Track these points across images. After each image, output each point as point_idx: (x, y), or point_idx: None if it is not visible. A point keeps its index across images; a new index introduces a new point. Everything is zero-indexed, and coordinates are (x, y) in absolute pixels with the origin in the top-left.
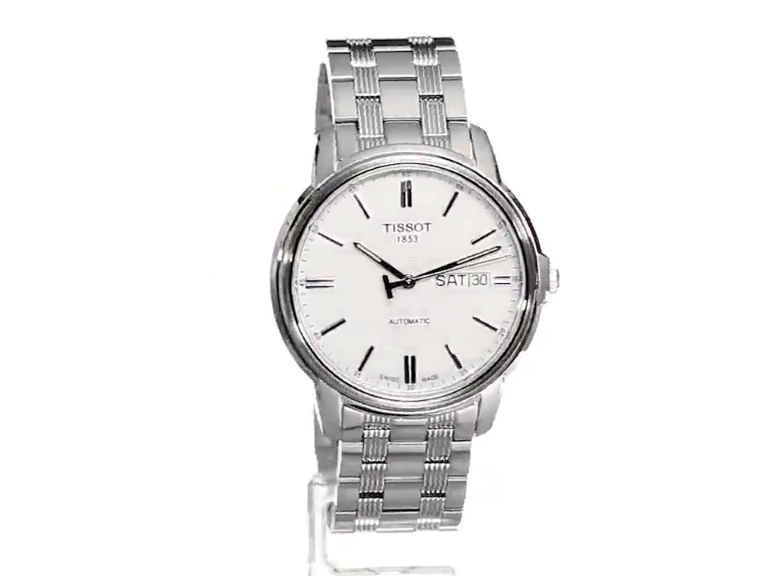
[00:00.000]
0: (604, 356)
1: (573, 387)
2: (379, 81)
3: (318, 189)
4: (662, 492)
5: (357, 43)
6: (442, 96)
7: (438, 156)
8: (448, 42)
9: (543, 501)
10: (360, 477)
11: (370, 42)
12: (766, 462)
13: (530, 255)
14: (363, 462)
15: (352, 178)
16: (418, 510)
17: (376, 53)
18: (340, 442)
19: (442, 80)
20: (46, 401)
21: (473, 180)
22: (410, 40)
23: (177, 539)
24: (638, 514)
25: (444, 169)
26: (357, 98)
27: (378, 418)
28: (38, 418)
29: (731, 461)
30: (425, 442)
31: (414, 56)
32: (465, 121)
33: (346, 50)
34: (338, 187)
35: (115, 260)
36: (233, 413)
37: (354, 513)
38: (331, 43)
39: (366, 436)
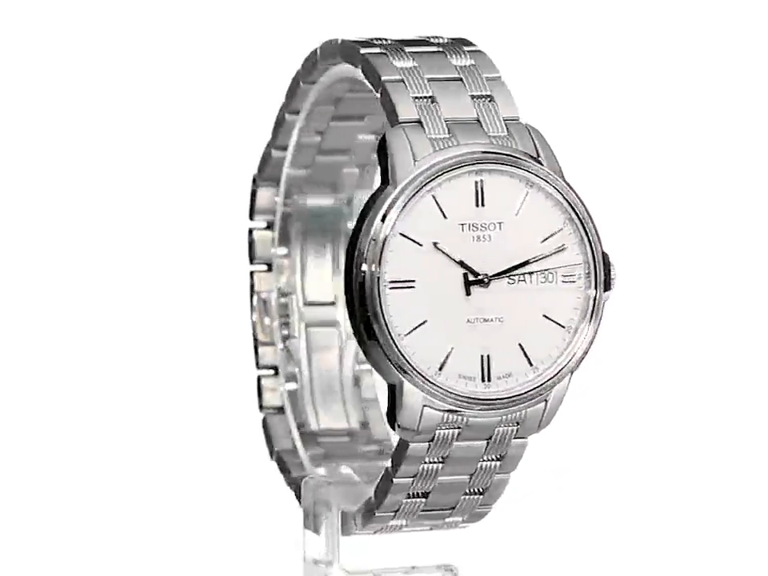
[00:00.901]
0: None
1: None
2: (428, 81)
3: (401, 191)
4: (662, 491)
5: (384, 43)
6: (490, 96)
7: (509, 155)
8: (468, 42)
9: (544, 500)
10: (413, 478)
11: (394, 41)
12: None
13: (595, 253)
14: (422, 463)
15: (433, 179)
16: (453, 509)
17: (410, 53)
18: (406, 443)
19: (486, 80)
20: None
21: (544, 178)
22: (431, 40)
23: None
24: (641, 515)
25: (517, 167)
26: (413, 98)
27: (455, 417)
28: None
29: None
30: (486, 441)
31: (448, 56)
32: (518, 120)
33: (378, 50)
34: (420, 189)
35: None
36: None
37: (393, 514)
38: (361, 43)
39: (435, 437)
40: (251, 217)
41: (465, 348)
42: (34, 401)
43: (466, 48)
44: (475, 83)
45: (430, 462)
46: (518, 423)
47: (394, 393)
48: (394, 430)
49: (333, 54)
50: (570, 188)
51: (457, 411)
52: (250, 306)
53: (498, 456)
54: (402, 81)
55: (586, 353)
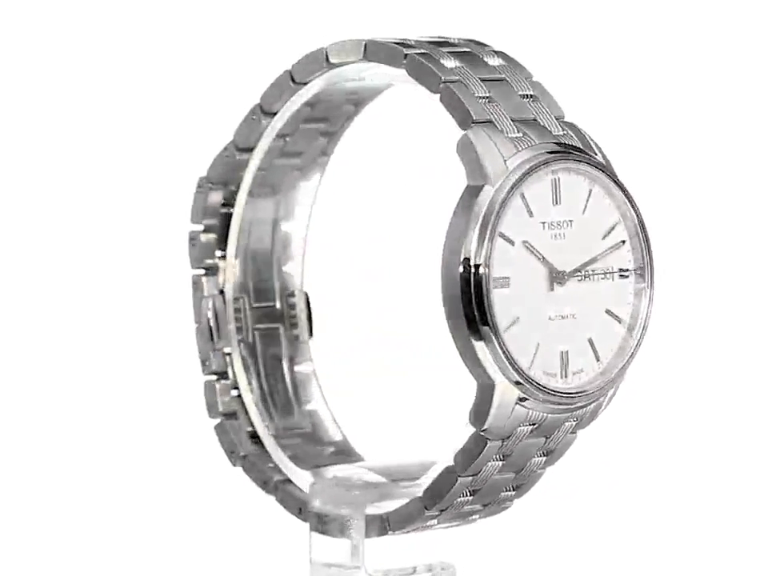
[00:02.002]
0: None
1: None
2: (481, 81)
3: (498, 191)
4: (663, 491)
5: (417, 43)
6: (533, 95)
7: (579, 153)
8: (482, 42)
9: (543, 500)
10: (474, 476)
11: (422, 41)
12: None
13: (649, 248)
14: (489, 461)
15: (524, 179)
16: (486, 506)
17: (449, 53)
18: (485, 441)
19: (525, 79)
20: None
21: (608, 175)
22: (450, 40)
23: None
24: (640, 515)
25: (587, 164)
26: (476, 98)
27: (537, 414)
28: None
29: None
30: (545, 437)
31: (480, 56)
32: (565, 118)
33: (419, 50)
34: (513, 188)
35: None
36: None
37: (439, 513)
38: (402, 45)
39: (513, 434)
40: (197, 220)
41: (548, 344)
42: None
43: (487, 48)
44: (518, 83)
45: (495, 460)
46: (577, 419)
47: (485, 391)
48: (476, 428)
49: (354, 54)
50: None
51: (539, 408)
52: (198, 310)
53: (546, 451)
54: (461, 81)
55: (639, 346)
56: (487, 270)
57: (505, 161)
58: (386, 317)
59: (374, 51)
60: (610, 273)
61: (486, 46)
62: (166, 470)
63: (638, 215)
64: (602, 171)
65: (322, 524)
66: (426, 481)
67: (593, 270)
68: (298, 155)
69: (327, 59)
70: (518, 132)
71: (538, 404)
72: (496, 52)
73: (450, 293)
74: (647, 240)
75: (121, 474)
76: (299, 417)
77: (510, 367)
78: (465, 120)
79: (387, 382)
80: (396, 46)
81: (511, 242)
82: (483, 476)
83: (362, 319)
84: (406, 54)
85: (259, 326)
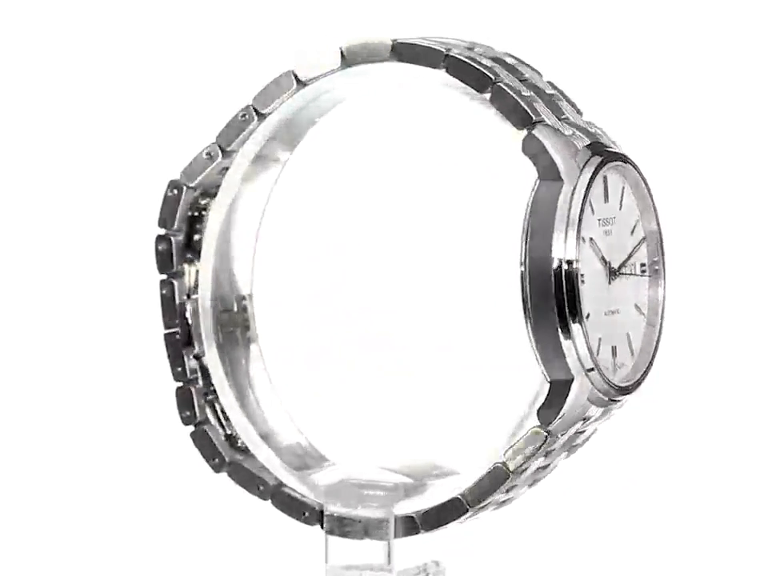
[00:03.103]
0: None
1: None
2: (520, 81)
3: (573, 190)
4: (662, 492)
5: (450, 43)
6: (555, 94)
7: (618, 153)
8: (489, 45)
9: (541, 499)
10: (521, 474)
11: (457, 42)
12: None
13: (663, 243)
14: (539, 458)
15: (595, 176)
16: (503, 503)
17: (481, 53)
18: (545, 437)
19: (542, 79)
20: None
21: (639, 173)
22: (465, 41)
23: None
24: (639, 512)
25: (625, 162)
26: (524, 97)
27: (595, 410)
28: None
29: None
30: (581, 432)
31: (499, 55)
32: (583, 116)
33: (457, 50)
34: (589, 185)
35: None
36: None
37: (474, 512)
38: (446, 47)
39: (572, 428)
40: (169, 224)
41: (605, 339)
42: None
43: (496, 49)
44: (541, 82)
45: (541, 455)
46: (609, 414)
47: (561, 388)
48: (545, 424)
49: (378, 53)
50: None
51: (598, 403)
52: (171, 315)
53: (571, 447)
54: (507, 82)
55: (659, 341)
56: (578, 267)
57: (574, 159)
58: (348, 319)
59: (405, 51)
60: (634, 268)
61: (493, 47)
62: (144, 478)
63: (657, 211)
64: (635, 169)
65: (342, 527)
66: (467, 478)
67: (624, 265)
68: (265, 159)
69: (345, 60)
70: (569, 131)
71: (599, 399)
72: (507, 53)
73: (540, 291)
74: (661, 235)
75: (96, 498)
76: (261, 419)
77: (591, 361)
78: (525, 119)
79: (351, 385)
80: (433, 46)
81: (583, 240)
82: (526, 473)
83: (322, 322)
84: (447, 55)
85: (225, 330)
